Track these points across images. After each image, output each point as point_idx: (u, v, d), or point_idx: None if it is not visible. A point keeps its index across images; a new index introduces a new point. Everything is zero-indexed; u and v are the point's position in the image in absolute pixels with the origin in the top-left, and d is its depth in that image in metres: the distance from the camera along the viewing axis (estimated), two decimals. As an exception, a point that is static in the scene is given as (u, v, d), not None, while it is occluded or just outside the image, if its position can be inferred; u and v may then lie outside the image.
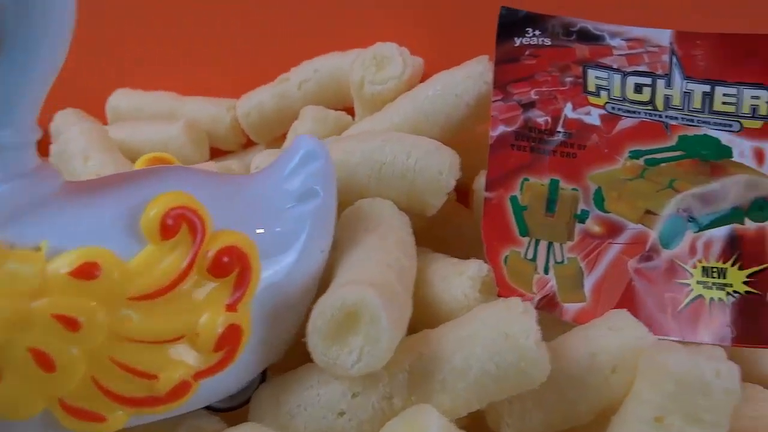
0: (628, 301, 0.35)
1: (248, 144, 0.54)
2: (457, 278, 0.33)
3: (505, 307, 0.28)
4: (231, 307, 0.27)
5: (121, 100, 0.55)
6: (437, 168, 0.36)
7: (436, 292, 0.33)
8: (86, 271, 0.24)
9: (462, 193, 0.42)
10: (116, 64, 0.56)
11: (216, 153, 0.55)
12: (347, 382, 0.28)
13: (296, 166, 0.31)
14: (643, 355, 0.28)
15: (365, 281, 0.27)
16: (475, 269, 0.33)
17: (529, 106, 0.38)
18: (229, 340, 0.27)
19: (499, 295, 0.34)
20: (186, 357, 0.26)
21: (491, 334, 0.27)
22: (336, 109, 0.47)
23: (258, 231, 0.28)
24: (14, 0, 0.22)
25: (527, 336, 0.27)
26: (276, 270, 0.29)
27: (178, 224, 0.26)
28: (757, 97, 0.39)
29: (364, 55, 0.43)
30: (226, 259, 0.26)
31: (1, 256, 0.24)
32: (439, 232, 0.44)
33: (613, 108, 0.39)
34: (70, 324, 0.24)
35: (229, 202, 0.29)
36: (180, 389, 0.26)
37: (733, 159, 0.38)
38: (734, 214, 0.37)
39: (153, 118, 0.53)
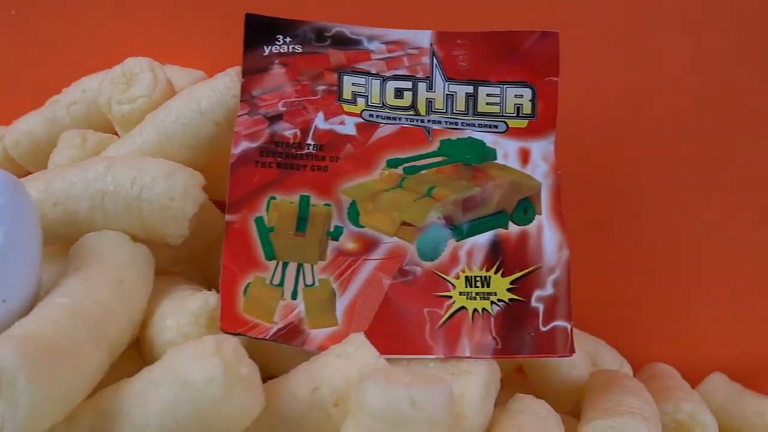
0: (383, 320, 0.33)
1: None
2: (175, 315, 0.30)
3: (191, 351, 0.25)
4: None
5: None
6: (167, 195, 0.32)
7: (154, 333, 0.30)
8: None
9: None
10: None
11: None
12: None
13: (-30, 206, 0.27)
14: (353, 388, 0.26)
15: (16, 335, 0.23)
16: (199, 303, 0.30)
17: (275, 118, 0.35)
18: None
19: (222, 330, 0.30)
20: None
21: (170, 383, 0.24)
22: (108, 132, 0.43)
23: None
24: None
25: (209, 383, 0.24)
26: (-71, 330, 0.25)
27: None
28: (520, 96, 0.37)
29: (113, 73, 0.39)
30: None
31: None
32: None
33: (370, 115, 0.37)
34: None
35: None
36: None
37: (496, 161, 0.37)
38: (498, 219, 0.36)
39: None
